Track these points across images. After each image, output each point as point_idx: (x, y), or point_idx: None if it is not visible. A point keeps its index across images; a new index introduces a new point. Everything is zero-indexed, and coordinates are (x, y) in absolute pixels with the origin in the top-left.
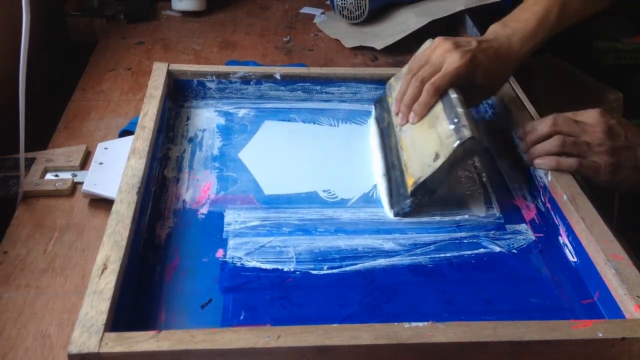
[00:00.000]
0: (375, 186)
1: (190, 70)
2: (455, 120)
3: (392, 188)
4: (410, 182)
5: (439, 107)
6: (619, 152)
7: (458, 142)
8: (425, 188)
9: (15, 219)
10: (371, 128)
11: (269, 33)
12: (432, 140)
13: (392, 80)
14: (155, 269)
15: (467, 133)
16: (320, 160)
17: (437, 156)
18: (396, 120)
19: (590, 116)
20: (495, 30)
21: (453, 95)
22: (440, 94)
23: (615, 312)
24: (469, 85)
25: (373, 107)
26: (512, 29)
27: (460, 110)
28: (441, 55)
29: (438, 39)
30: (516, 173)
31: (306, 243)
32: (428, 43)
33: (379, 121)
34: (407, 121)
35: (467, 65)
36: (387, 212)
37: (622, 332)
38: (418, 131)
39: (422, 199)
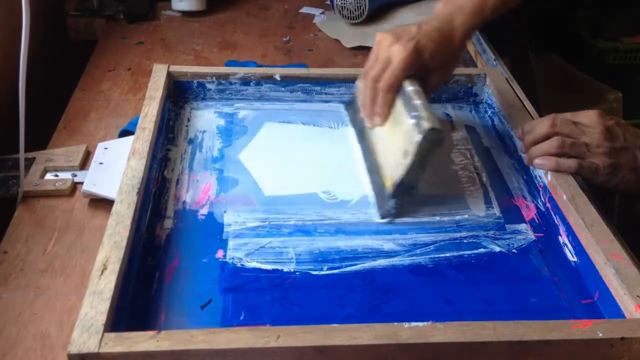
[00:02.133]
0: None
1: (190, 71)
2: (414, 114)
3: (375, 192)
4: (388, 184)
5: (399, 103)
6: (617, 153)
7: (420, 136)
8: (403, 187)
9: (15, 219)
10: (349, 133)
11: (268, 33)
12: (399, 137)
13: (358, 81)
14: (155, 269)
15: (426, 125)
16: (320, 162)
17: (405, 153)
18: (367, 123)
19: (588, 117)
20: (437, 9)
21: (409, 87)
22: (394, 90)
23: (615, 312)
24: (423, 72)
25: (345, 110)
26: (455, 5)
27: (417, 102)
28: (385, 50)
29: (379, 35)
30: (516, 173)
31: (306, 244)
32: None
33: (353, 125)
34: (375, 124)
35: (412, 54)
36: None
37: (622, 332)
38: (386, 131)
39: (404, 197)
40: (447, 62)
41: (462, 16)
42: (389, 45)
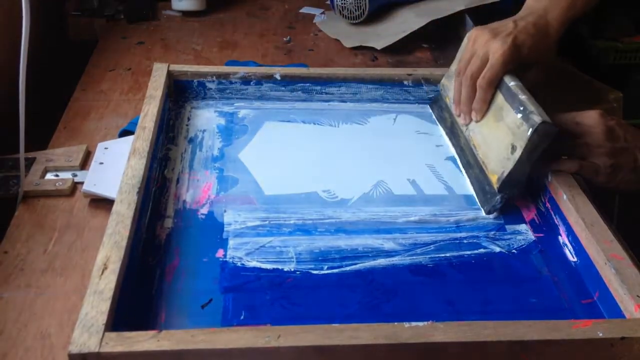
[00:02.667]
0: (376, 185)
1: (191, 70)
2: (521, 108)
3: (476, 187)
4: (494, 179)
5: (500, 99)
6: (618, 153)
7: (531, 129)
8: (510, 182)
9: (15, 219)
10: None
11: (269, 33)
12: (503, 133)
13: (443, 80)
14: (155, 269)
15: (537, 119)
16: (320, 161)
17: (513, 148)
18: (460, 120)
19: (589, 117)
20: (529, 4)
21: (511, 83)
22: (494, 86)
23: (615, 311)
24: (521, 66)
25: (430, 109)
26: (547, 0)
27: (522, 97)
28: (483, 46)
29: (474, 31)
30: None
31: (306, 243)
32: (466, 40)
33: (440, 122)
34: (471, 120)
35: (511, 49)
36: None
37: (622, 331)
38: (486, 127)
39: (510, 192)
40: (544, 57)
41: (556, 10)
42: (486, 41)
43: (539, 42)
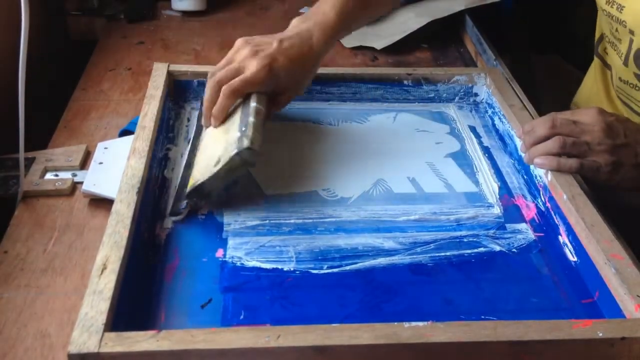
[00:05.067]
0: (376, 183)
1: (191, 70)
2: (243, 129)
3: (178, 187)
4: (190, 184)
5: (237, 115)
6: (619, 150)
7: (236, 150)
8: (200, 191)
9: (15, 218)
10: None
11: (269, 33)
12: (221, 145)
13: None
14: (155, 269)
15: (246, 143)
16: (319, 159)
17: (217, 161)
18: (203, 121)
19: (588, 115)
20: (296, 24)
21: (252, 104)
22: (237, 97)
23: (615, 311)
24: (274, 87)
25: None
26: (313, 21)
27: (251, 119)
28: (241, 60)
29: (239, 42)
30: (516, 172)
31: (306, 242)
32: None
33: (197, 119)
34: (210, 124)
35: (265, 71)
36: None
37: (622, 331)
38: (215, 135)
39: (198, 202)
40: (300, 81)
41: (320, 33)
42: (245, 56)
43: (298, 67)
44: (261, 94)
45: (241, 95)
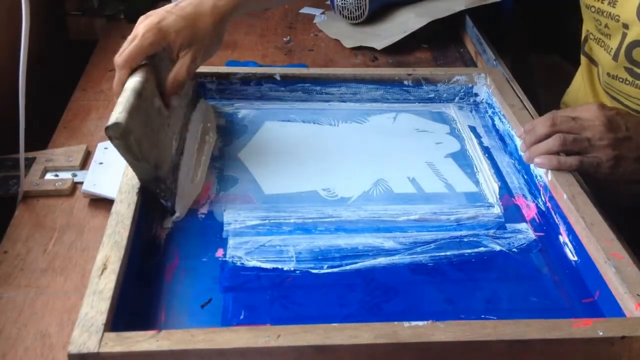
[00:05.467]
0: (376, 183)
1: None
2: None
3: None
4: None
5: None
6: (620, 143)
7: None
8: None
9: (15, 218)
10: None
11: (269, 33)
12: None
13: None
14: (155, 269)
15: (113, 119)
16: (320, 159)
17: None
18: None
19: (588, 111)
20: None
21: (132, 77)
22: (130, 65)
23: (615, 310)
24: (168, 45)
25: None
26: None
27: (127, 94)
28: (135, 29)
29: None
30: (516, 172)
31: (306, 242)
32: None
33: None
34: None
35: (153, 31)
36: None
37: (622, 330)
38: None
39: (152, 186)
40: (198, 38)
41: None
42: (138, 24)
43: (189, 24)
44: (143, 66)
45: (136, 63)
